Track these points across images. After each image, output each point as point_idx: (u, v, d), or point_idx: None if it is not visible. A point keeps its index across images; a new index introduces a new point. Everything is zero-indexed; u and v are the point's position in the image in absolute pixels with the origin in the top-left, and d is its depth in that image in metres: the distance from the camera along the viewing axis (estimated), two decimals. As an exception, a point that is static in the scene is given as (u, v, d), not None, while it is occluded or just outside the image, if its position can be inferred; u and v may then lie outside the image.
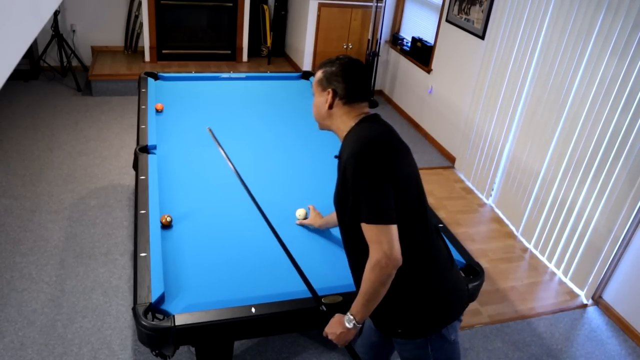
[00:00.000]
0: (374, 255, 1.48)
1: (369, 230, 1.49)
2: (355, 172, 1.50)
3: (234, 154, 2.79)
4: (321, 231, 2.24)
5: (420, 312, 1.64)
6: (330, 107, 1.66)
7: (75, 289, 2.91)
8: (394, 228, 1.48)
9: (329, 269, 2.02)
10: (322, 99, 1.68)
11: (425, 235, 1.62)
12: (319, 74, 1.69)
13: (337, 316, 1.67)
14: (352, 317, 1.60)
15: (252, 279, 1.92)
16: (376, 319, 1.73)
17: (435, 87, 5.17)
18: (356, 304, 1.58)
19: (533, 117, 3.70)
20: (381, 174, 1.49)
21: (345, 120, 1.66)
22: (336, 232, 2.24)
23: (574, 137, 3.33)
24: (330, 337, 1.68)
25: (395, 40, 5.91)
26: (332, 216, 2.13)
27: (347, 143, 1.60)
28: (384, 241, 1.47)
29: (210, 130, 2.33)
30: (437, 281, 1.66)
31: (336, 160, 1.71)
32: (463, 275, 2.04)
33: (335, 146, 2.99)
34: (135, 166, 2.59)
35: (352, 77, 1.65)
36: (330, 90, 1.65)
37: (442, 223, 2.34)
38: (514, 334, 2.95)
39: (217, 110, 3.28)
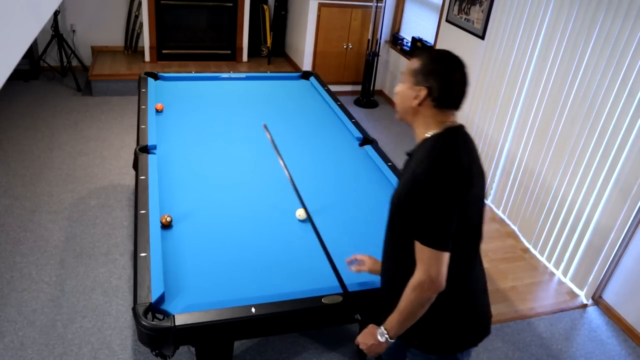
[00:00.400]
0: (420, 275, 1.45)
1: (422, 250, 1.45)
2: (426, 189, 1.41)
3: (234, 154, 2.79)
4: (321, 231, 2.23)
5: (444, 331, 1.61)
6: (419, 104, 1.52)
7: (75, 289, 2.91)
8: (446, 255, 1.44)
9: (329, 269, 2.02)
10: (412, 92, 1.53)
11: (474, 261, 1.60)
12: (416, 63, 1.52)
13: (371, 327, 1.65)
14: (385, 332, 1.57)
15: (252, 279, 1.92)
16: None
17: (435, 87, 5.16)
18: (391, 320, 1.55)
19: (533, 117, 3.70)
20: (452, 199, 1.41)
21: (429, 123, 1.53)
22: (336, 232, 2.24)
23: (573, 137, 3.32)
24: (361, 346, 1.66)
25: (395, 40, 5.91)
26: None
27: (425, 150, 1.49)
28: (433, 265, 1.43)
29: (265, 126, 2.33)
30: (469, 306, 1.63)
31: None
32: None
33: (336, 147, 3.00)
34: (135, 166, 2.59)
35: (453, 81, 1.49)
36: (424, 88, 1.49)
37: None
38: (514, 334, 2.95)
39: (217, 110, 3.28)
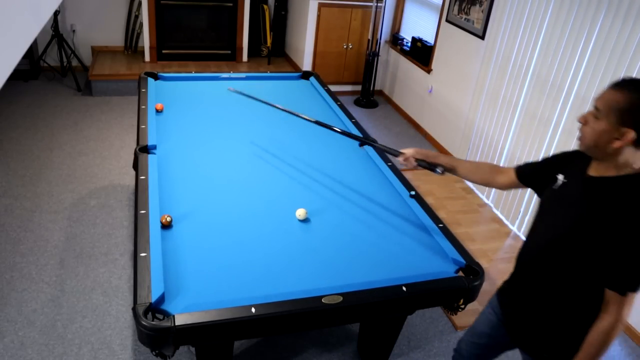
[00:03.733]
0: (619, 317, 1.45)
1: (624, 299, 1.44)
2: None
3: (233, 154, 2.79)
4: (321, 231, 2.24)
5: (578, 346, 1.59)
6: (620, 146, 1.39)
7: (75, 289, 2.91)
8: None
9: (329, 268, 2.02)
10: (612, 131, 1.39)
11: None
12: (621, 98, 1.36)
13: None
14: None
15: (252, 279, 1.92)
16: (534, 341, 1.71)
17: (435, 87, 5.17)
18: None
19: (533, 117, 3.70)
20: None
21: (627, 162, 1.42)
22: (336, 231, 2.24)
23: (574, 137, 3.33)
24: None
25: (395, 40, 5.91)
26: (465, 166, 1.96)
27: (632, 191, 1.41)
28: (631, 305, 1.45)
29: (232, 89, 2.32)
30: None
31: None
32: (464, 275, 2.04)
33: (336, 147, 3.00)
34: (135, 166, 2.59)
35: None
36: (630, 132, 1.36)
37: (442, 223, 2.34)
38: (514, 334, 2.95)
39: (217, 110, 3.28)
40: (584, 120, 1.48)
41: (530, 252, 1.70)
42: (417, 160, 2.02)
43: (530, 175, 1.79)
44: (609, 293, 1.46)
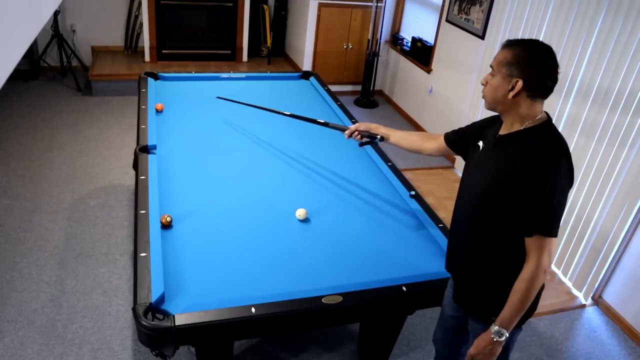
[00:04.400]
0: (537, 266, 1.53)
1: (542, 241, 1.52)
2: (558, 184, 1.48)
3: (233, 154, 2.79)
4: (321, 231, 2.24)
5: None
6: (514, 96, 1.54)
7: (75, 289, 2.91)
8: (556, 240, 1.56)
9: (329, 268, 2.02)
10: (505, 83, 1.54)
11: None
12: (508, 54, 1.53)
13: (482, 336, 1.67)
14: (502, 330, 1.61)
15: (252, 279, 1.92)
16: (475, 302, 1.77)
17: (435, 87, 5.17)
18: (510, 316, 1.60)
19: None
20: (569, 190, 1.54)
21: (527, 114, 1.56)
22: (335, 231, 2.24)
23: (574, 137, 3.33)
24: (479, 357, 1.67)
25: (395, 40, 5.91)
26: (399, 135, 2.13)
27: (535, 140, 1.54)
28: (549, 254, 1.53)
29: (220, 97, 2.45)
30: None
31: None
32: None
33: (336, 147, 3.00)
34: (135, 166, 2.59)
35: (548, 70, 1.51)
36: (519, 80, 1.51)
37: (442, 223, 2.34)
38: (514, 334, 2.95)
39: (217, 111, 3.28)
40: (484, 82, 1.62)
41: (457, 216, 1.78)
42: (360, 132, 2.21)
43: (456, 141, 1.92)
44: (527, 241, 1.54)
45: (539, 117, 1.57)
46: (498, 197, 1.57)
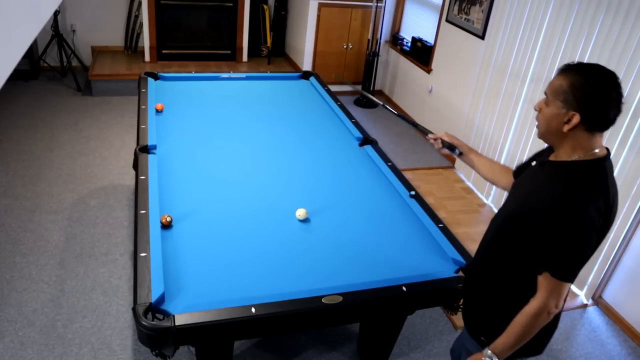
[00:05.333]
0: (542, 304, 1.45)
1: (551, 281, 1.43)
2: (578, 229, 1.37)
3: (233, 154, 2.79)
4: (321, 231, 2.24)
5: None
6: (570, 130, 1.40)
7: (75, 289, 2.91)
8: (569, 286, 1.47)
9: (329, 268, 2.02)
10: (559, 115, 1.40)
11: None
12: (564, 82, 1.38)
13: (474, 356, 1.64)
14: (494, 356, 1.56)
15: (252, 279, 1.92)
16: (472, 319, 1.74)
17: (435, 87, 5.17)
18: (502, 344, 1.54)
19: (533, 117, 3.70)
20: (595, 235, 1.40)
21: (576, 147, 1.43)
22: (335, 231, 2.24)
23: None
24: None
25: (395, 40, 5.91)
26: (480, 160, 1.96)
27: (572, 176, 1.41)
28: (560, 295, 1.45)
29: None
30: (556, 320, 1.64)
31: None
32: (464, 275, 2.04)
33: (336, 147, 3.00)
34: (135, 166, 2.59)
35: (609, 103, 1.36)
36: (576, 114, 1.37)
37: (442, 223, 2.34)
38: (514, 334, 2.94)
39: (217, 111, 3.28)
40: (538, 108, 1.51)
41: (486, 232, 1.72)
42: (442, 141, 2.05)
43: (519, 171, 1.82)
44: (539, 278, 1.47)
45: (593, 151, 1.43)
46: (518, 223, 1.49)
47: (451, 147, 2.03)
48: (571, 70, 1.38)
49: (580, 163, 1.43)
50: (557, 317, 1.62)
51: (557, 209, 1.38)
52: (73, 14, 5.79)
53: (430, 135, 2.09)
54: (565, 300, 1.53)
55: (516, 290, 1.55)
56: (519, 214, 1.50)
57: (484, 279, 1.68)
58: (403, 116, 2.35)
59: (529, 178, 1.58)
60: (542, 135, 1.52)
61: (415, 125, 2.28)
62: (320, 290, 1.87)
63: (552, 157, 1.53)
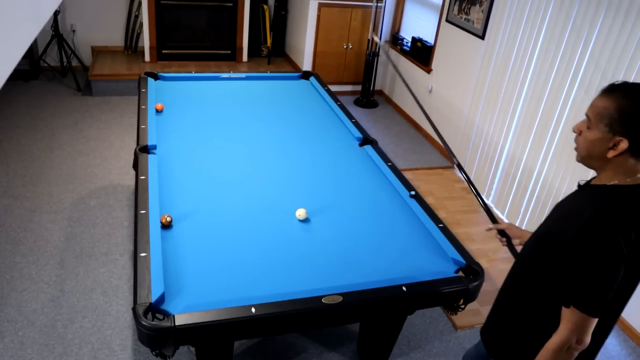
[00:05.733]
0: (565, 337, 1.37)
1: (573, 313, 1.35)
2: (596, 249, 1.29)
3: (233, 154, 2.79)
4: (321, 231, 2.24)
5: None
6: (615, 156, 1.32)
7: (75, 289, 2.91)
8: (596, 321, 1.36)
9: (329, 268, 2.02)
10: (604, 140, 1.31)
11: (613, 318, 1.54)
12: (610, 104, 1.28)
13: None
14: None
15: (252, 279, 1.92)
16: (493, 340, 1.69)
17: (435, 87, 5.17)
18: None
19: (533, 117, 3.70)
20: (621, 265, 1.30)
21: (618, 172, 1.35)
22: (335, 232, 2.24)
23: (574, 137, 3.32)
24: None
25: (395, 40, 5.91)
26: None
27: (607, 201, 1.34)
28: (583, 330, 1.35)
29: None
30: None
31: None
32: (464, 275, 2.04)
33: (336, 147, 3.00)
34: (135, 166, 2.59)
35: None
36: (623, 140, 1.28)
37: (442, 223, 2.34)
38: (514, 334, 2.94)
39: (217, 110, 3.28)
40: (577, 130, 1.42)
41: (520, 252, 1.66)
42: (505, 234, 1.89)
43: None
44: (563, 310, 1.40)
45: (635, 176, 1.34)
46: (549, 244, 1.43)
47: (510, 245, 1.87)
48: (618, 92, 1.29)
49: (619, 188, 1.35)
50: (592, 355, 1.56)
51: (584, 233, 1.31)
52: (73, 14, 5.79)
53: (492, 226, 1.93)
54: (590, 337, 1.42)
55: (543, 318, 1.48)
56: (550, 234, 1.43)
57: (513, 301, 1.61)
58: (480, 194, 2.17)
59: (569, 200, 1.51)
60: (582, 159, 1.43)
61: (487, 210, 2.12)
62: (320, 290, 1.87)
63: (594, 181, 1.45)
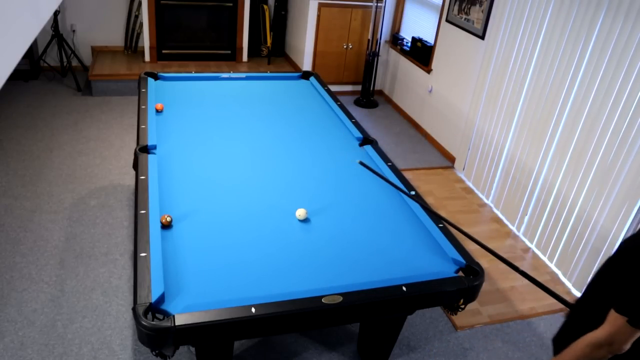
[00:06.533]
0: (605, 337, 1.43)
1: (617, 318, 1.42)
2: None
3: (233, 154, 2.79)
4: (321, 231, 2.24)
5: None
6: None
7: (75, 289, 2.91)
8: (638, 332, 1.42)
9: (329, 268, 2.02)
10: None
11: None
12: None
13: None
14: None
15: (252, 279, 1.92)
16: (558, 346, 1.70)
17: (435, 87, 5.17)
18: None
19: (533, 117, 3.70)
20: None
21: None
22: (335, 232, 2.24)
23: (574, 137, 3.32)
24: None
25: (395, 40, 5.91)
26: None
27: None
28: (624, 338, 1.41)
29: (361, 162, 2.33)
30: None
31: None
32: (464, 275, 2.04)
33: (336, 147, 3.00)
34: (135, 166, 2.59)
35: None
36: None
37: (442, 223, 2.34)
38: (514, 334, 2.95)
39: (217, 111, 3.28)
40: None
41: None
42: None
43: None
44: (610, 313, 1.45)
45: None
46: (618, 263, 1.50)
47: None
48: None
49: None
50: None
51: (635, 252, 1.40)
52: (73, 14, 5.79)
53: None
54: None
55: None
56: (620, 254, 1.50)
57: (582, 317, 1.64)
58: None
59: None
60: None
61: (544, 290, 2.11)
62: (320, 290, 1.87)
63: None
